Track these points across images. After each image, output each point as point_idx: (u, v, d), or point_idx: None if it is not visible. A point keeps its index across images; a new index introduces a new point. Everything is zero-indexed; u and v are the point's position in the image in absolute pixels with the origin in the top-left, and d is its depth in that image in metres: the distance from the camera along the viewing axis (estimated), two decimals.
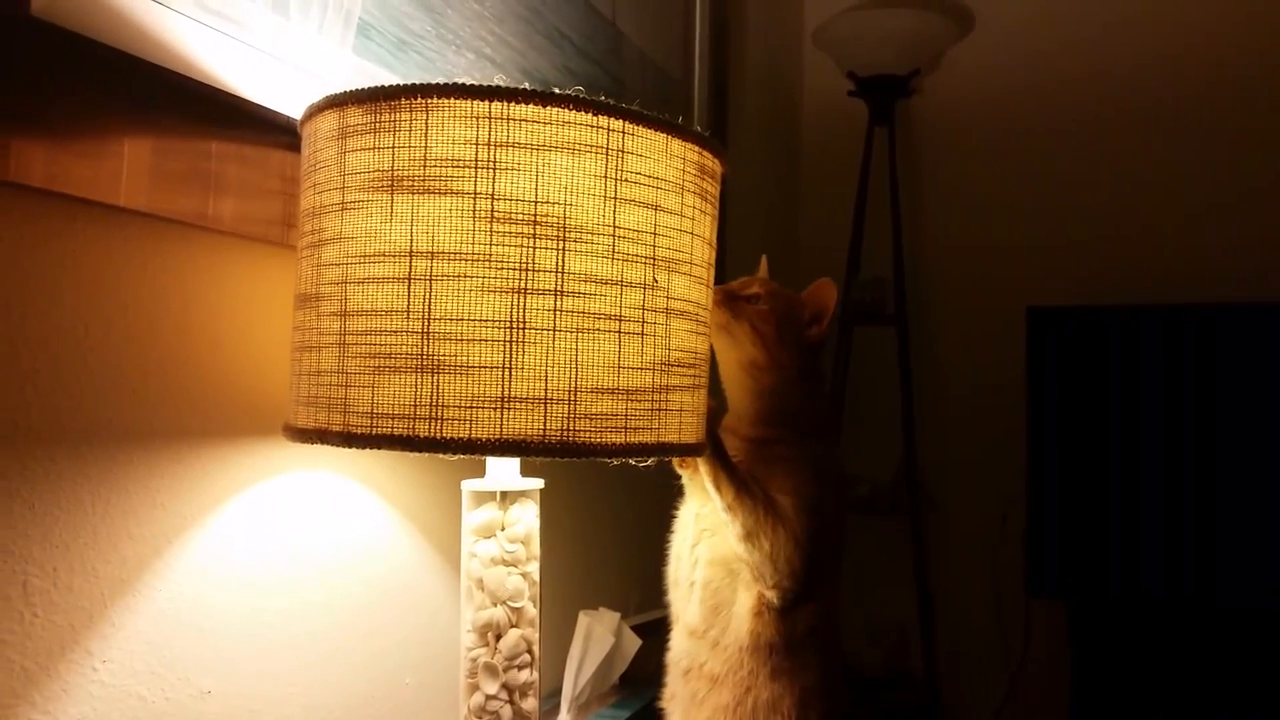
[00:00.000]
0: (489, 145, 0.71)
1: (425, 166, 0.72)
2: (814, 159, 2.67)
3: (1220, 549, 1.88)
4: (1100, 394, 2.00)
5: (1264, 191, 2.24)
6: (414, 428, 0.70)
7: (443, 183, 0.71)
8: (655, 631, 1.36)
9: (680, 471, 1.09)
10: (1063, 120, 2.42)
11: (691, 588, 1.06)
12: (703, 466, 0.99)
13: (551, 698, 1.28)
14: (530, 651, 0.86)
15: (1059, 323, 2.05)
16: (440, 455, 0.71)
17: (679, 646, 1.08)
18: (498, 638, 0.85)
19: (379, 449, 0.72)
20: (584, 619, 1.27)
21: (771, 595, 0.99)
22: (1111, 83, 2.37)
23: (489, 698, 0.85)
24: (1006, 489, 2.24)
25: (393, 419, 0.71)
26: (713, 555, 1.04)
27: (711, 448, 0.97)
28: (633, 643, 1.28)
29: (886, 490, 2.36)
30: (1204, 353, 1.93)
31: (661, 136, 0.76)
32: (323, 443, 0.76)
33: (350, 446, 0.74)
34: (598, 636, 1.25)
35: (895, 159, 2.43)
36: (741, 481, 0.99)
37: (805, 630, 1.01)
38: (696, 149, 0.80)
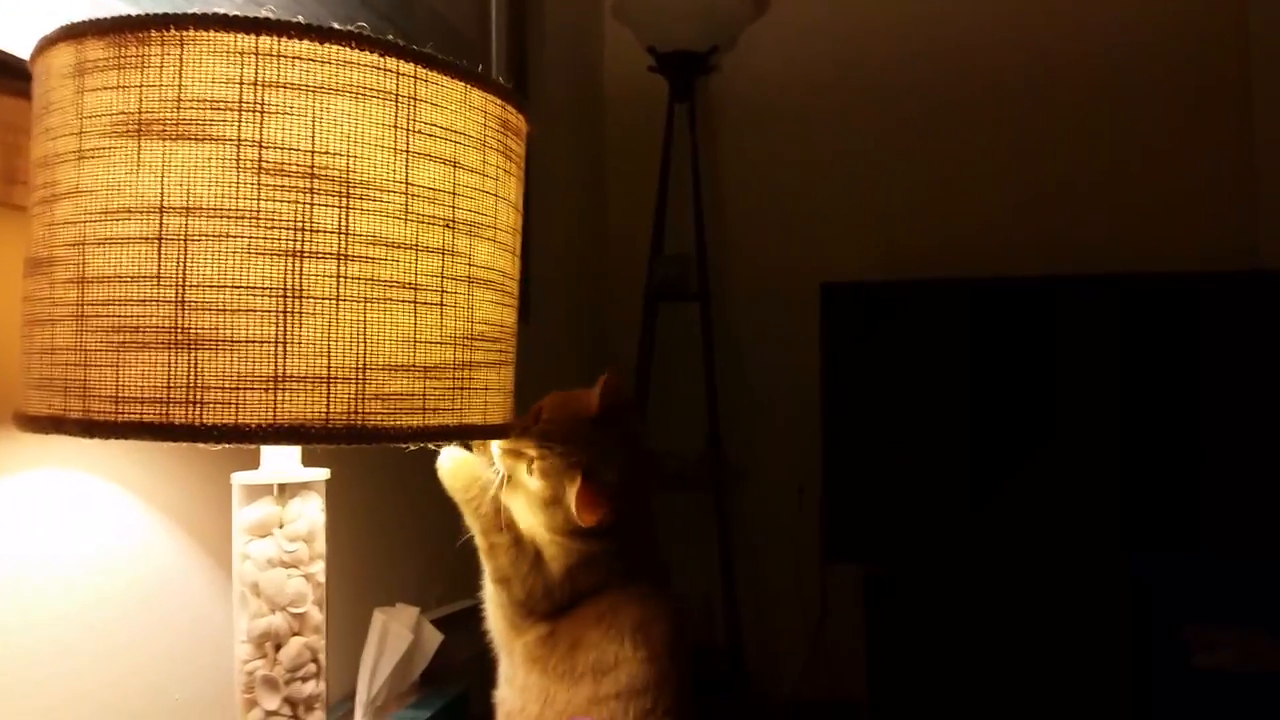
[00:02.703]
0: (255, 85, 0.61)
1: (179, 108, 0.61)
2: (618, 135, 2.63)
3: (1006, 513, 1.99)
4: (891, 366, 2.07)
5: (1051, 169, 2.38)
6: (168, 413, 0.60)
7: (200, 127, 0.61)
8: (458, 625, 1.29)
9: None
10: (857, 99, 2.48)
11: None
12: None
13: (345, 702, 1.18)
14: (316, 661, 0.77)
15: (851, 298, 2.10)
16: (202, 444, 0.61)
17: (500, 694, 1.09)
18: (277, 648, 0.75)
19: (127, 439, 0.61)
20: (379, 616, 1.17)
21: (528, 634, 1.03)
22: (904, 63, 2.46)
23: (269, 714, 0.75)
24: (805, 460, 2.29)
25: (142, 403, 0.60)
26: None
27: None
28: (434, 638, 1.20)
29: (693, 465, 2.37)
30: (991, 325, 2.02)
31: (460, 85, 0.69)
32: (59, 433, 0.65)
33: (92, 436, 0.63)
34: (394, 634, 1.16)
35: (696, 136, 2.43)
36: (489, 545, 1.01)
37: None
38: (499, 102, 0.73)
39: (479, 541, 1.02)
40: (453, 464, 1.01)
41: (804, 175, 2.52)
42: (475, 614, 1.36)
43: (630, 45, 2.51)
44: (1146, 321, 1.98)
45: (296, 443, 0.62)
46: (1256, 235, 2.28)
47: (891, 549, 2.06)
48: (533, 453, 1.00)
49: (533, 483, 1.01)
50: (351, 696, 1.16)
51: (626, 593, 1.03)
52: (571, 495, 0.97)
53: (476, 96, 0.70)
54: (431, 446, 0.73)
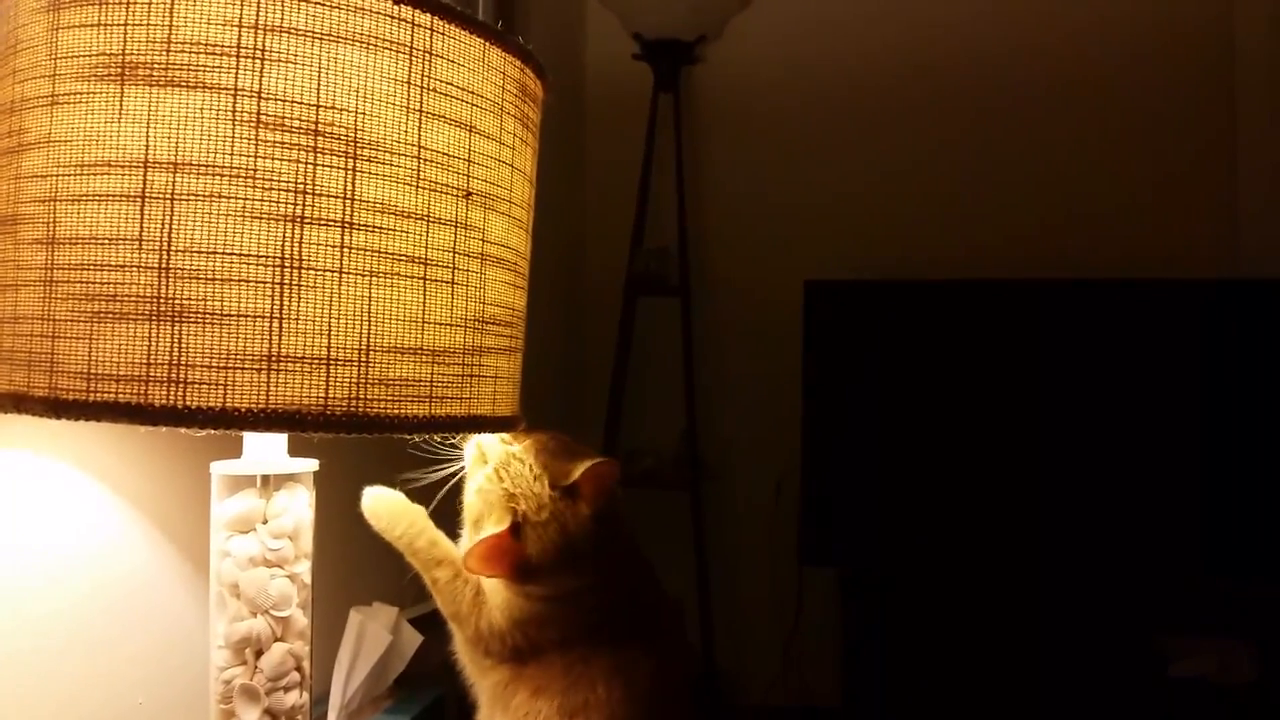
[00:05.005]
0: (256, 29, 0.55)
1: (169, 51, 0.54)
2: (599, 123, 2.57)
3: (986, 517, 1.96)
4: (873, 366, 2.04)
5: (1035, 173, 2.36)
6: (147, 393, 0.54)
7: (192, 73, 0.54)
8: (433, 626, 1.22)
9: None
10: (843, 95, 2.44)
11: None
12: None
13: (318, 705, 1.11)
14: (300, 669, 0.71)
15: (835, 296, 2.07)
16: (184, 430, 0.55)
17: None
18: (258, 654, 0.69)
19: (99, 420, 0.55)
20: (355, 616, 1.11)
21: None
22: (890, 59, 2.42)
23: None
24: (784, 460, 2.25)
25: (118, 381, 0.54)
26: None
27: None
28: (413, 640, 1.13)
29: (668, 463, 2.31)
30: (975, 328, 2.00)
31: (478, 41, 0.62)
32: (21, 412, 0.58)
33: (59, 417, 0.56)
34: (372, 634, 1.10)
35: (680, 127, 2.38)
36: (430, 580, 0.94)
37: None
38: (519, 64, 0.67)
39: (424, 578, 0.94)
40: (375, 503, 0.93)
41: (788, 171, 2.47)
42: None
43: (614, 31, 2.45)
44: (1123, 327, 1.97)
45: (291, 430, 0.55)
46: (1237, 243, 2.28)
47: (870, 553, 2.03)
48: (490, 467, 0.90)
49: (472, 491, 0.91)
50: (324, 700, 1.10)
51: (602, 644, 0.93)
52: (484, 532, 0.87)
53: (495, 56, 0.64)
54: (436, 439, 0.67)
